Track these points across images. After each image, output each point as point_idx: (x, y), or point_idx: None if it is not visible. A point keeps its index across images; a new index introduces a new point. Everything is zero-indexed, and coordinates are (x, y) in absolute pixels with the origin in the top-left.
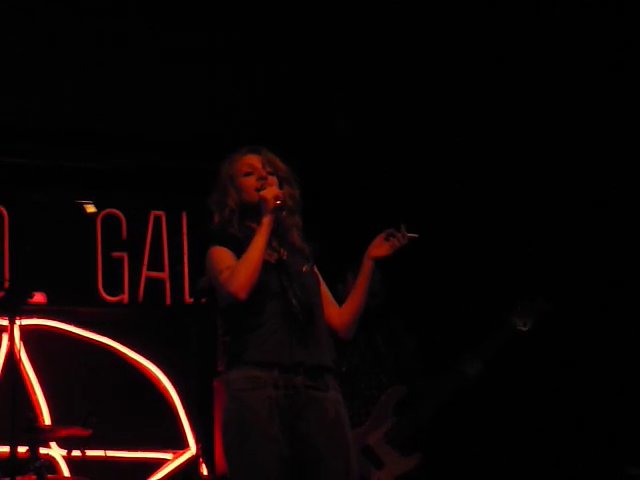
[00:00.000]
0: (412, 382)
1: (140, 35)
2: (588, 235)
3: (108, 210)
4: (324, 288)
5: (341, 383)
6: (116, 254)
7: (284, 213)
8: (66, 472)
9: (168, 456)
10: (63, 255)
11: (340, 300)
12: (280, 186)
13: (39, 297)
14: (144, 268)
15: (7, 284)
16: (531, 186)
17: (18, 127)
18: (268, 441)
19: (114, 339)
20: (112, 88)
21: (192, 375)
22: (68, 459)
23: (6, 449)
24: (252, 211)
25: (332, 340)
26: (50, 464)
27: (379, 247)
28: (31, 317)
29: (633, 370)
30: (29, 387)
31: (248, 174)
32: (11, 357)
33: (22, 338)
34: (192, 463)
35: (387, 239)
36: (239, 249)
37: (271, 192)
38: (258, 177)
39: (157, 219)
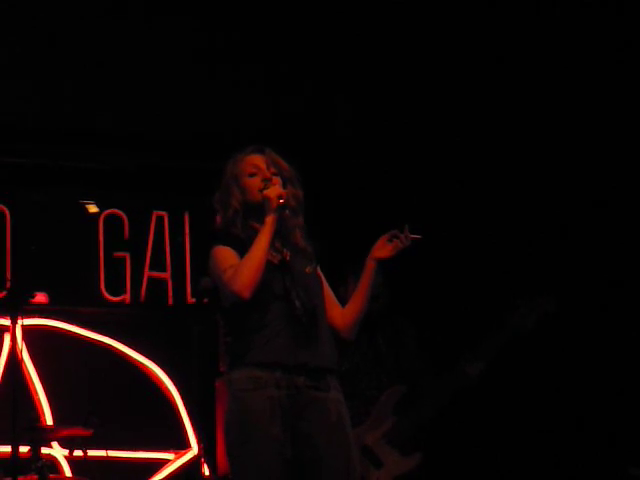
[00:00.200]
0: (413, 382)
1: (140, 35)
2: (588, 235)
3: (110, 210)
4: (327, 289)
5: (341, 382)
6: (118, 254)
7: (287, 212)
8: (68, 472)
9: (170, 456)
10: (65, 255)
11: (342, 302)
12: (284, 186)
13: (41, 297)
14: (146, 268)
15: (9, 284)
16: (531, 186)
17: (18, 127)
18: (270, 441)
19: (116, 339)
20: (112, 88)
21: (194, 375)
22: (70, 459)
23: (8, 449)
24: (256, 211)
25: (334, 341)
26: (52, 464)
27: (382, 248)
28: (33, 317)
29: (633, 370)
30: (31, 387)
31: (253, 174)
32: (13, 357)
33: (24, 338)
34: (194, 463)
35: (390, 240)
36: (242, 249)
37: (274, 191)
38: (263, 178)
39: (159, 219)
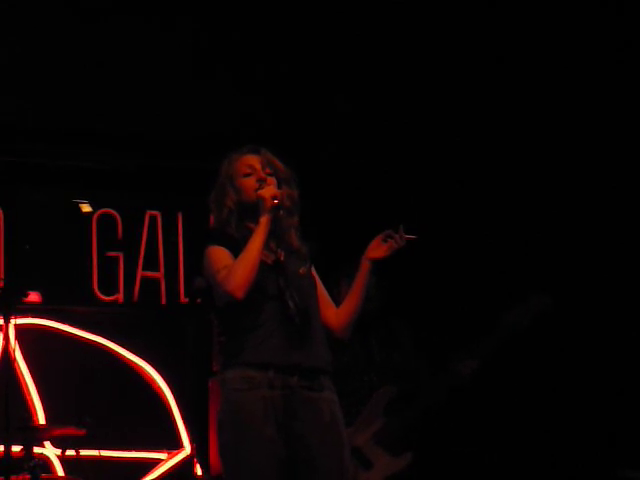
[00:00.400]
0: (407, 382)
1: (140, 35)
2: (587, 235)
3: (103, 210)
4: (321, 289)
5: (333, 382)
6: (111, 254)
7: (282, 213)
8: (60, 471)
9: (162, 456)
10: (58, 254)
11: (335, 304)
12: (279, 186)
13: (34, 296)
14: (139, 268)
15: (2, 283)
16: (529, 186)
17: (18, 127)
18: (263, 441)
19: (109, 339)
20: (112, 88)
21: (187, 375)
22: (62, 458)
23: (0, 448)
24: (251, 212)
25: (328, 341)
26: (44, 463)
27: (377, 248)
28: (26, 316)
29: (631, 370)
30: (23, 386)
31: (247, 175)
32: (6, 356)
33: (17, 337)
34: (186, 463)
35: (385, 240)
36: (237, 249)
37: (269, 191)
38: (257, 179)
39: (152, 219)
